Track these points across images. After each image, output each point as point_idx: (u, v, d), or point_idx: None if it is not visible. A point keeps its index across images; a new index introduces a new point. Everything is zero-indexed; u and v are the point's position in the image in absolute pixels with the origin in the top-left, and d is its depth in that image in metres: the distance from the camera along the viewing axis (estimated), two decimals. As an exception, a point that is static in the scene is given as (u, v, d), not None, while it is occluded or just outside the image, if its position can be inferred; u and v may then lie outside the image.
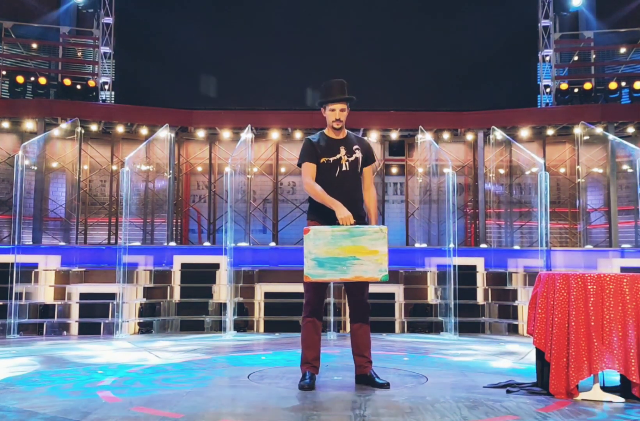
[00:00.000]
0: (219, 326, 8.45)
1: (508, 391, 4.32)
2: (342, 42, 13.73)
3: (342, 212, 4.29)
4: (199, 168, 14.32)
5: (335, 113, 4.62)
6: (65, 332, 8.40)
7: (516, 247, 12.16)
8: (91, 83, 13.34)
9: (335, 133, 4.66)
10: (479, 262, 9.33)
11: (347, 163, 4.56)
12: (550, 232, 9.92)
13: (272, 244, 12.44)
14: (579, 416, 3.66)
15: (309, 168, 4.52)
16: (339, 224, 4.26)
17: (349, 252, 4.15)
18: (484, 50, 13.76)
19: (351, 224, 4.25)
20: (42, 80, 13.14)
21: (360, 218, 4.51)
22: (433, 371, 5.19)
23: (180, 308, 8.94)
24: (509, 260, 9.45)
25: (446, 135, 13.60)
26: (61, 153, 13.44)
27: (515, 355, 6.41)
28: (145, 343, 7.32)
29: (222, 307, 8.61)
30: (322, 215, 4.43)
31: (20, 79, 12.98)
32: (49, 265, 8.93)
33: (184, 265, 9.15)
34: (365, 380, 4.53)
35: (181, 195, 14.16)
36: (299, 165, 4.63)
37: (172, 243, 12.10)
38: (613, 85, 13.23)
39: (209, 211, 14.21)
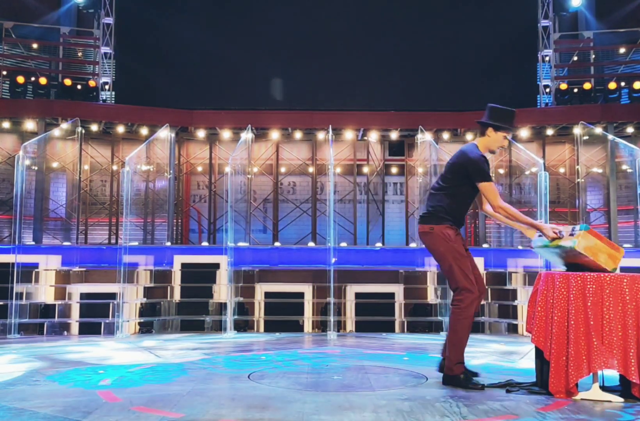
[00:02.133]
0: (219, 326, 8.46)
1: (508, 391, 4.33)
2: (342, 43, 13.74)
3: (549, 229, 4.41)
4: (199, 168, 14.33)
5: (506, 141, 4.70)
6: (65, 332, 8.41)
7: (519, 247, 12.16)
8: (91, 83, 13.36)
9: (488, 156, 4.70)
10: (478, 262, 9.28)
11: None
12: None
13: (277, 244, 12.44)
14: (578, 416, 3.67)
15: (497, 189, 4.59)
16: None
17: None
18: (483, 50, 13.78)
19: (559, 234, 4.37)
20: (43, 80, 13.15)
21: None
22: (433, 370, 5.19)
23: (180, 308, 8.95)
24: (509, 260, 9.45)
25: (446, 135, 13.60)
26: (62, 153, 13.45)
27: (514, 355, 6.42)
28: (145, 343, 7.32)
29: (222, 307, 8.62)
30: (456, 220, 4.66)
31: (20, 79, 13.00)
32: (49, 265, 8.93)
33: (184, 265, 9.16)
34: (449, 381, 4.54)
35: (181, 195, 14.16)
36: (480, 181, 4.54)
37: (167, 243, 12.08)
38: (612, 85, 13.24)
39: (209, 211, 14.22)
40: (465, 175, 4.59)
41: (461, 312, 4.49)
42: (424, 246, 4.77)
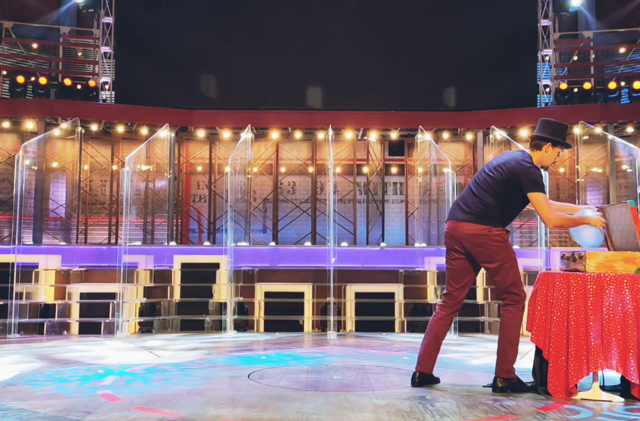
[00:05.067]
0: (219, 326, 8.46)
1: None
2: (342, 42, 13.73)
3: (594, 218, 4.36)
4: (199, 168, 14.33)
5: (559, 157, 4.56)
6: (65, 332, 8.40)
7: (516, 247, 12.17)
8: (91, 83, 13.36)
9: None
10: (478, 262, 9.31)
11: None
12: (549, 231, 9.93)
13: (272, 244, 12.45)
14: (578, 416, 3.67)
15: (548, 201, 4.37)
16: None
17: None
18: (483, 50, 13.77)
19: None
20: (43, 80, 13.15)
21: None
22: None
23: (180, 308, 8.94)
24: (509, 260, 9.44)
25: (446, 135, 13.61)
26: (61, 153, 13.46)
27: (514, 355, 6.41)
28: (145, 342, 7.33)
29: (222, 307, 8.62)
30: (505, 225, 4.46)
31: (20, 79, 13.00)
32: (49, 264, 8.92)
33: (184, 265, 9.15)
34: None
35: (181, 195, 14.17)
36: (531, 191, 4.31)
37: (172, 243, 12.11)
38: (612, 85, 13.25)
39: (209, 211, 14.22)
40: (515, 183, 4.34)
41: (519, 311, 4.40)
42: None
